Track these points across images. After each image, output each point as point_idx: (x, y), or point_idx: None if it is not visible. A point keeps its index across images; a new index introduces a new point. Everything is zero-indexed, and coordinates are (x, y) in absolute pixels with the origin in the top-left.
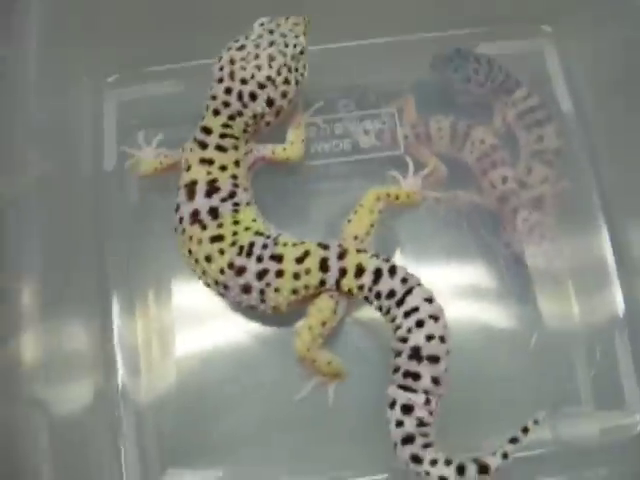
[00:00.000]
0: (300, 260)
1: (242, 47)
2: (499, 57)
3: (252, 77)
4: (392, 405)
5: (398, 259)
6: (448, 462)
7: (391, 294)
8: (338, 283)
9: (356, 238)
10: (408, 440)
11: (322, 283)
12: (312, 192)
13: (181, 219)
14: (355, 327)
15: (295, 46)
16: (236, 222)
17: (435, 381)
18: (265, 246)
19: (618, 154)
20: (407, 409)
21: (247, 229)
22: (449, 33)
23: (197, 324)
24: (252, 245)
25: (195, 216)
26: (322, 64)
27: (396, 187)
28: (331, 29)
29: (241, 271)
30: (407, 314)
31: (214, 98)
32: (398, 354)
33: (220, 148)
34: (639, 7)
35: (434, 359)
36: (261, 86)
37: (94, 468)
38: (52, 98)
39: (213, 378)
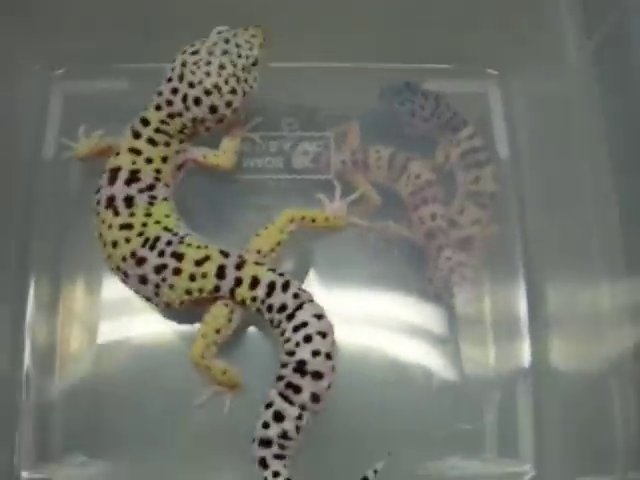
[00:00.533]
0: (199, 263)
1: (196, 52)
2: (448, 95)
3: (200, 82)
4: (267, 406)
5: (313, 281)
6: None
7: (282, 308)
8: (233, 292)
9: (259, 252)
10: (266, 443)
11: (217, 289)
12: (242, 205)
13: (98, 201)
14: (256, 339)
15: (247, 57)
16: (148, 214)
17: (314, 398)
18: (170, 243)
19: (545, 207)
20: (278, 417)
21: (157, 222)
22: (402, 66)
23: (122, 318)
24: (157, 239)
25: (111, 201)
26: (274, 81)
27: (315, 211)
28: (288, 47)
29: (141, 262)
30: (296, 328)
31: (160, 94)
32: (284, 365)
33: (151, 141)
34: (575, 67)
35: (318, 375)
36: (207, 92)
37: None
38: None
39: (128, 373)
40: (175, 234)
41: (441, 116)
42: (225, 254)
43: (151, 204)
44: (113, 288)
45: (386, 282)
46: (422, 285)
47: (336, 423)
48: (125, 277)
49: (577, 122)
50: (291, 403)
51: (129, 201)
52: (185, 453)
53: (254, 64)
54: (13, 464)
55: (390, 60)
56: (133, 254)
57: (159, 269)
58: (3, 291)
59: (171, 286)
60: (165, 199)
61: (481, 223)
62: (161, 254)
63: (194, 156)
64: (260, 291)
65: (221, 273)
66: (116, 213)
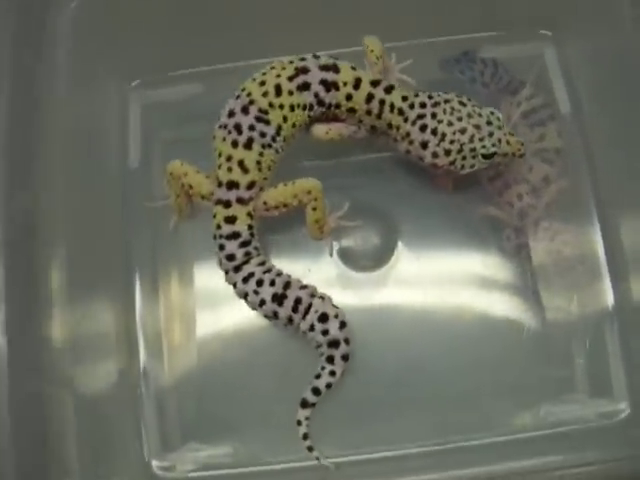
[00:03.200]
0: None
1: (463, 104)
2: (505, 60)
3: (434, 130)
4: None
5: (402, 247)
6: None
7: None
8: None
9: (265, 204)
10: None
11: None
12: None
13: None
14: None
15: (487, 148)
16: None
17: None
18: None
19: (613, 154)
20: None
21: None
22: (457, 37)
23: (218, 307)
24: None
25: None
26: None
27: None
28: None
29: None
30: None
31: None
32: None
33: None
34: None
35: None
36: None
37: (118, 444)
38: (80, 103)
39: (230, 359)
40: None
41: (500, 80)
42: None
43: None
44: (208, 280)
45: (468, 246)
46: (500, 244)
47: (435, 382)
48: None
49: (633, 71)
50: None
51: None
52: (291, 430)
53: (486, 157)
54: (144, 455)
55: (446, 33)
56: None
57: None
58: (114, 291)
59: None
60: None
61: (550, 179)
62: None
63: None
64: None
65: None
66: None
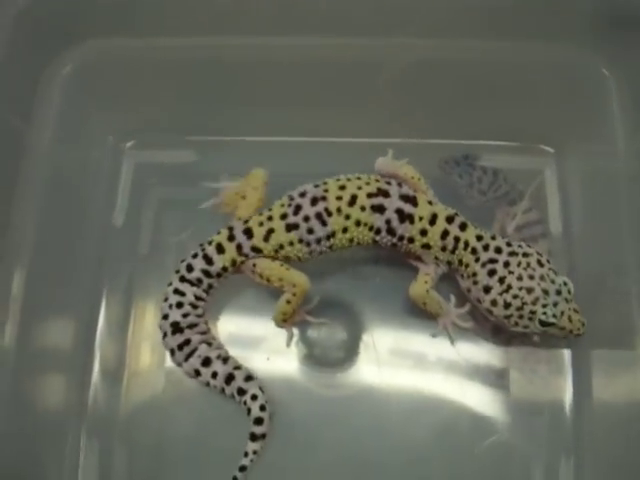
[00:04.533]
0: None
1: (527, 256)
2: (505, 170)
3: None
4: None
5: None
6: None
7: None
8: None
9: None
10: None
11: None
12: None
13: None
14: None
15: (549, 317)
16: None
17: None
18: None
19: (594, 279)
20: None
21: None
22: (461, 142)
23: None
24: None
25: None
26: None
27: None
28: (359, 124)
29: None
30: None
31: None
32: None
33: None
34: (625, 150)
35: None
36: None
37: (51, 462)
38: (69, 158)
39: (183, 419)
40: None
41: (498, 190)
42: None
43: None
44: None
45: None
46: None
47: None
48: None
49: (624, 201)
50: None
51: None
52: None
53: (543, 324)
54: None
55: (448, 136)
56: None
57: None
58: (76, 309)
59: None
60: None
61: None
62: None
63: None
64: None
65: None
66: None
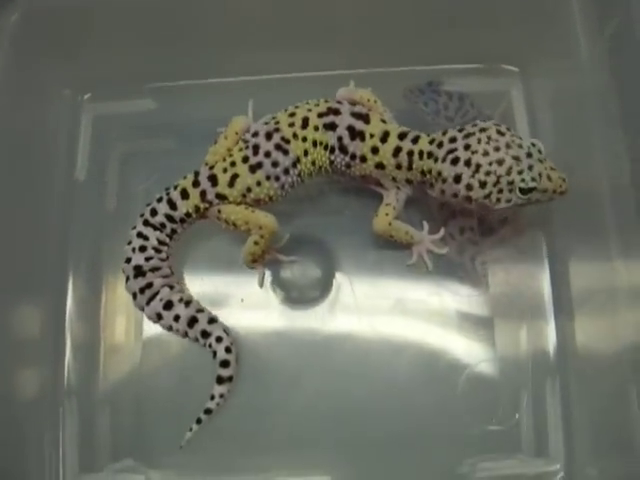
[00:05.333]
0: None
1: (500, 134)
2: (471, 94)
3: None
4: None
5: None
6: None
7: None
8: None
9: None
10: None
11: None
12: None
13: None
14: None
15: (527, 182)
16: None
17: None
18: None
19: (565, 198)
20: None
21: None
22: (424, 68)
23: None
24: None
25: None
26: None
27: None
28: (321, 56)
29: None
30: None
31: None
32: None
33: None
34: (589, 61)
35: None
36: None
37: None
38: (23, 111)
39: (163, 384)
40: None
41: (465, 115)
42: None
43: None
44: None
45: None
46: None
47: (369, 424)
48: None
49: (593, 115)
50: None
51: None
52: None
53: (524, 191)
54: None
55: (412, 63)
56: None
57: None
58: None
59: None
60: None
61: (508, 219)
62: None
63: None
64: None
65: None
66: None
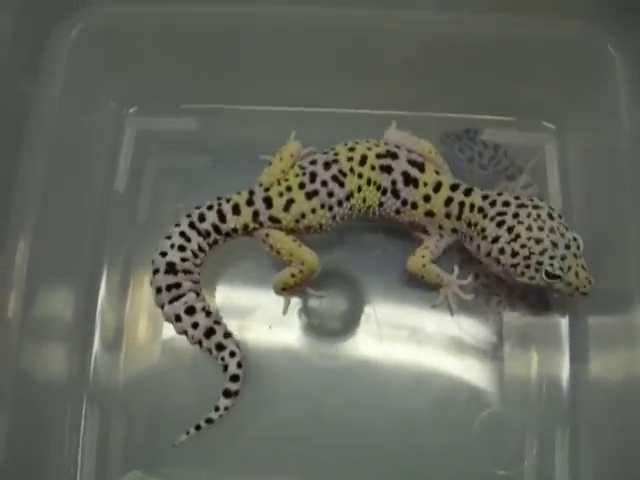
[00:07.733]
0: None
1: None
2: (506, 145)
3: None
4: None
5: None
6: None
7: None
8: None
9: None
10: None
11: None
12: None
13: None
14: None
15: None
16: None
17: None
18: None
19: (592, 256)
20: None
21: None
22: (463, 116)
23: None
24: None
25: None
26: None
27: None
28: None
29: None
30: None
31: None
32: None
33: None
34: (628, 124)
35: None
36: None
37: (53, 431)
38: (72, 122)
39: (176, 392)
40: None
41: (498, 164)
42: None
43: None
44: None
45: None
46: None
47: (380, 460)
48: None
49: (627, 178)
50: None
51: None
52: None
53: (549, 276)
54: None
55: (451, 110)
56: None
57: None
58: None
59: None
60: None
61: None
62: None
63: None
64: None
65: None
66: None
